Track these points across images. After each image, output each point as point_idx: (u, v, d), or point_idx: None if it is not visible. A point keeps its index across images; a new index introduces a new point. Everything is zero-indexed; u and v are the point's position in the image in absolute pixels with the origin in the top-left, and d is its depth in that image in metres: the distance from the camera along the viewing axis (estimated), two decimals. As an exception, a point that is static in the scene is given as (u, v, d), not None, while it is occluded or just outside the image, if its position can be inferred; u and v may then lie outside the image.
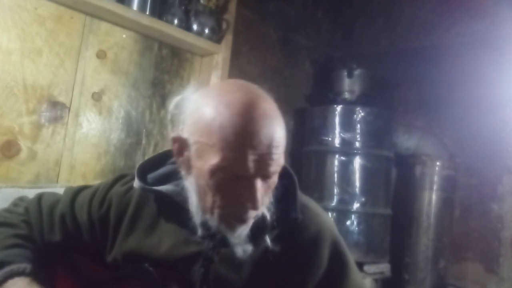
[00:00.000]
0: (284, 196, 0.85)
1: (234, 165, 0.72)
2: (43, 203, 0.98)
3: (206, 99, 0.76)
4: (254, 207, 0.75)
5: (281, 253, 0.81)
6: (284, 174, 0.88)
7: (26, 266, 0.84)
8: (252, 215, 0.77)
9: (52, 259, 0.96)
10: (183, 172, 0.81)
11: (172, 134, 0.80)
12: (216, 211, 0.77)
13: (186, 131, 0.77)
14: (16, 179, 1.46)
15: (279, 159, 0.74)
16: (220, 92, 0.76)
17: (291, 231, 0.85)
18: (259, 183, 0.73)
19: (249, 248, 0.79)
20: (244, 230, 0.78)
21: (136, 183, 0.87)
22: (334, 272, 0.87)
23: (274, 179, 0.78)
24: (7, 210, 0.99)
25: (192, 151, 0.76)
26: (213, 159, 0.72)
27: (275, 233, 0.83)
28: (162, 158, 0.94)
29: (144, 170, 0.90)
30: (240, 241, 0.79)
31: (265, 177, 0.75)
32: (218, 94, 0.76)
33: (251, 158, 0.71)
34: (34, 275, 0.84)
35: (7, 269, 0.82)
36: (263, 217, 0.80)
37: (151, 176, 0.90)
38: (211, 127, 0.72)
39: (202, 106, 0.75)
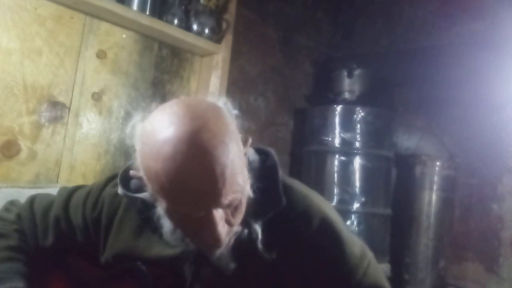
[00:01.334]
0: (266, 184, 0.83)
1: (181, 208, 0.69)
2: (36, 207, 0.97)
3: (143, 138, 0.71)
4: (216, 243, 0.72)
5: (271, 242, 0.79)
6: (266, 160, 0.87)
7: (18, 284, 0.84)
8: (226, 238, 0.74)
9: (47, 261, 0.96)
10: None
11: (132, 171, 0.78)
12: (188, 239, 0.77)
13: (140, 168, 0.73)
14: (16, 179, 1.46)
15: (231, 187, 0.68)
16: (154, 129, 0.69)
17: (278, 217, 0.83)
18: (218, 215, 0.70)
19: (232, 265, 0.78)
20: (222, 250, 0.76)
21: (120, 190, 0.86)
22: (326, 251, 0.85)
23: (240, 202, 0.73)
24: None
25: (149, 191, 0.73)
26: (162, 204, 0.70)
27: (262, 223, 0.81)
28: None
29: (128, 175, 0.87)
30: (222, 259, 0.78)
31: (223, 207, 0.70)
32: (152, 133, 0.69)
33: (195, 201, 0.67)
34: None
35: None
36: (248, 222, 0.79)
37: (134, 181, 0.87)
38: (151, 175, 0.69)
39: (141, 148, 0.71)
